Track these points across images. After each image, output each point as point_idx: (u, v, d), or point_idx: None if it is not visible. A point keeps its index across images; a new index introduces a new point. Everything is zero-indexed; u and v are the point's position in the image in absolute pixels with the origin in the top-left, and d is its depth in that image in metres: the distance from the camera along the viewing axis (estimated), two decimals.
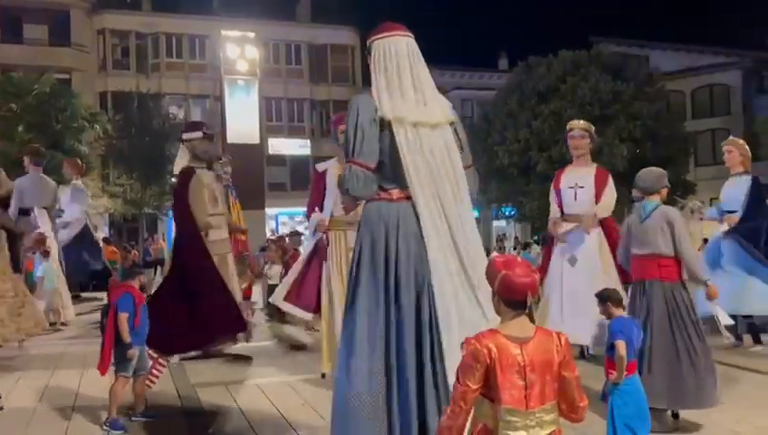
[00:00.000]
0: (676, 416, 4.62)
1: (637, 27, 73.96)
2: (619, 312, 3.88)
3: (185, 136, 7.06)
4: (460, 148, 3.41)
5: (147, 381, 4.82)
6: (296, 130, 33.98)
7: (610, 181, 6.73)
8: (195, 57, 32.74)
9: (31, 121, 22.45)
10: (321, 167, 6.19)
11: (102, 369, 4.66)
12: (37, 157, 9.46)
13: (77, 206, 10.40)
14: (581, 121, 7.18)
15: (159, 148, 26.85)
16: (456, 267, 3.16)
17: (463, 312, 3.09)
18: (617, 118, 23.97)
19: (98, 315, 10.33)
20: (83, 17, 31.26)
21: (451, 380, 2.74)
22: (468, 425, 2.38)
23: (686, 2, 65.80)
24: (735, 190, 7.08)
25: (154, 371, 4.83)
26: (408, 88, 3.31)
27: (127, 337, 4.57)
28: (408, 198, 3.21)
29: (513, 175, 25.94)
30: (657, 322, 4.49)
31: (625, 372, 3.67)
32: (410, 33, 3.48)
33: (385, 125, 3.20)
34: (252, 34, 32.29)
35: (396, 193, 3.25)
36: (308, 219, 6.11)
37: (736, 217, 6.93)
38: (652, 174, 4.82)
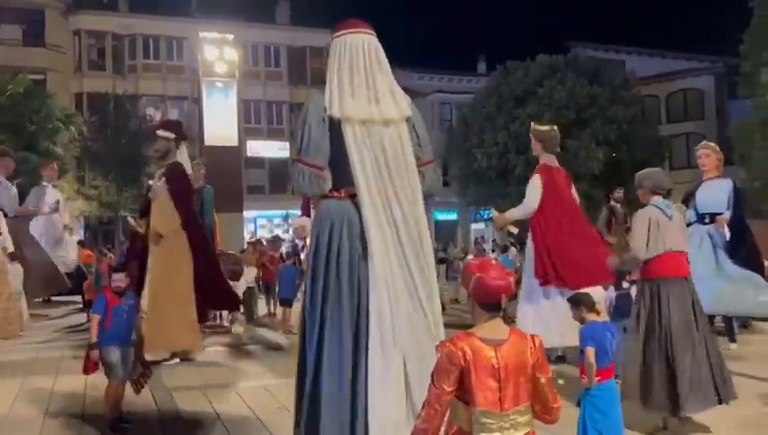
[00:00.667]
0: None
1: (613, 33, 74.81)
2: (591, 316, 3.86)
3: (159, 133, 7.08)
4: (417, 144, 3.42)
5: (133, 387, 4.81)
6: (275, 133, 33.84)
7: (530, 181, 7.05)
8: (172, 59, 32.48)
9: (4, 122, 22.09)
10: None
11: (88, 370, 4.67)
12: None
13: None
14: (532, 125, 7.41)
15: (136, 150, 26.58)
16: (398, 263, 3.19)
17: (399, 308, 3.14)
18: (593, 122, 24.23)
19: (71, 319, 10.23)
20: (59, 18, 30.86)
21: (374, 374, 3.02)
22: (443, 428, 2.39)
23: (661, 8, 66.77)
24: (713, 193, 7.17)
25: (141, 378, 4.83)
26: (359, 85, 3.31)
27: (94, 338, 4.59)
28: (355, 195, 3.23)
29: (491, 178, 26.08)
30: (700, 315, 4.61)
31: (597, 378, 3.66)
32: (371, 31, 3.51)
33: (335, 124, 3.23)
34: (230, 36, 32.09)
35: (344, 191, 3.28)
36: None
37: (726, 218, 7.03)
38: (662, 174, 4.95)
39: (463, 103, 31.44)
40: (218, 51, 31.96)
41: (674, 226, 4.70)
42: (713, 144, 7.42)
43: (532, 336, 2.41)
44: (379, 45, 3.49)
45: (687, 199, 7.32)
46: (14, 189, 9.63)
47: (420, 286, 3.20)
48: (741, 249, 6.97)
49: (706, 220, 7.24)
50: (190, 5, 34.15)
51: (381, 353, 3.07)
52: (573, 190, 7.32)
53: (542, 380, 2.37)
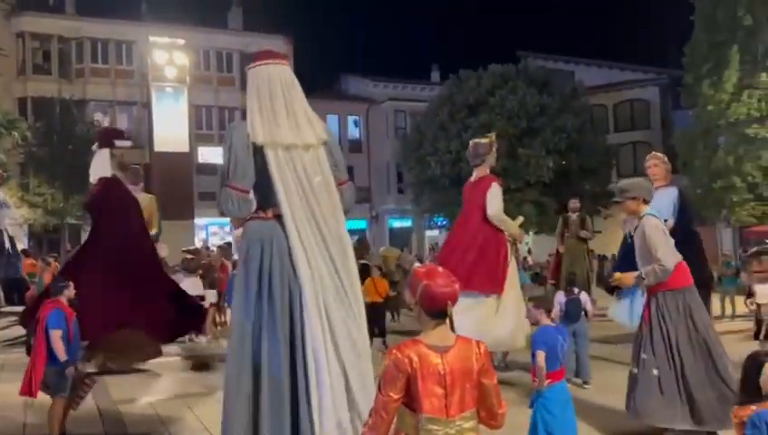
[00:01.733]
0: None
1: (562, 43, 76.56)
2: (546, 321, 3.94)
3: (118, 143, 6.85)
4: (334, 165, 3.68)
5: (72, 404, 4.63)
6: None
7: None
8: (121, 63, 31.77)
9: None
10: None
11: (32, 391, 4.45)
12: None
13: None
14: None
15: (83, 156, 25.85)
16: (329, 275, 3.45)
17: (333, 315, 3.38)
18: (543, 130, 24.67)
19: (9, 332, 9.85)
20: (1, 20, 29.88)
21: (315, 382, 3.23)
22: None
23: (610, 21, 68.62)
24: (661, 201, 7.30)
25: (81, 393, 4.65)
26: (279, 112, 3.56)
27: (63, 355, 4.39)
28: (280, 216, 3.47)
29: (444, 185, 26.28)
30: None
31: (548, 380, 3.74)
32: (285, 62, 3.82)
33: (258, 149, 3.47)
34: (181, 41, 31.63)
35: (270, 212, 3.52)
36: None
37: (671, 224, 7.15)
38: (649, 182, 4.99)
39: (417, 111, 31.64)
40: (168, 55, 31.47)
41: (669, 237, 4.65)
42: (661, 155, 7.61)
43: (478, 342, 2.44)
44: (293, 75, 3.76)
45: None
46: None
47: (350, 293, 3.50)
48: (687, 254, 7.19)
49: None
50: (140, 9, 33.49)
51: (320, 360, 3.28)
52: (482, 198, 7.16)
53: (488, 385, 2.40)
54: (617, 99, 34.08)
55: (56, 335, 4.41)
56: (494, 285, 6.74)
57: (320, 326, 3.32)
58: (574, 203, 11.42)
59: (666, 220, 7.29)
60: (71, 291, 4.69)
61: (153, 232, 8.07)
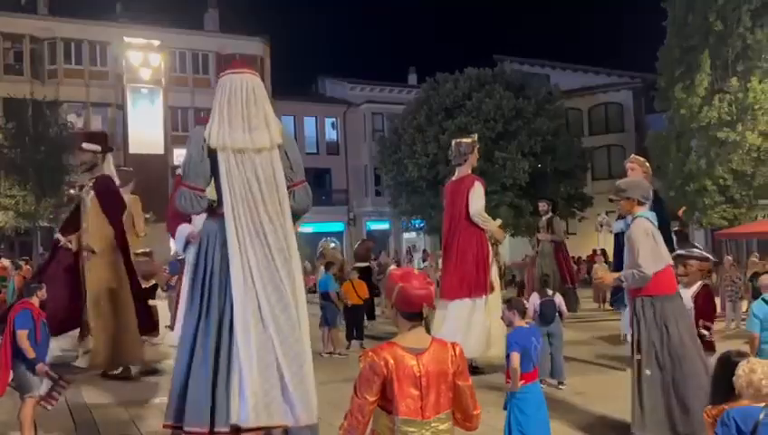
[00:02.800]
0: None
1: (538, 47, 77.29)
2: (519, 322, 3.98)
3: (113, 147, 6.98)
4: (289, 167, 3.94)
5: (43, 403, 4.56)
6: None
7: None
8: (95, 64, 31.36)
9: None
10: None
11: None
12: None
13: None
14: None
15: (56, 157, 25.50)
16: (267, 266, 3.78)
17: (263, 304, 3.74)
18: (519, 133, 24.86)
19: None
20: None
21: (238, 367, 3.61)
22: None
23: (585, 25, 69.42)
24: None
25: (54, 393, 4.58)
26: (235, 117, 3.84)
27: (31, 353, 4.38)
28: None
29: (422, 188, 26.36)
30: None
31: (522, 381, 3.78)
32: (252, 72, 4.09)
33: (212, 152, 3.80)
34: (156, 42, 31.32)
35: (220, 209, 3.84)
36: (171, 232, 5.23)
37: None
38: (646, 183, 4.90)
39: (394, 114, 31.68)
40: (143, 56, 31.15)
41: (660, 237, 4.57)
42: (641, 158, 7.68)
43: (453, 344, 2.45)
44: (259, 83, 4.04)
45: None
46: None
47: (287, 285, 3.80)
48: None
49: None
50: (115, 10, 33.12)
51: (245, 338, 3.71)
52: (465, 197, 7.20)
53: (463, 387, 2.42)
54: (591, 102, 34.45)
55: (22, 335, 4.42)
56: (478, 289, 6.78)
57: (244, 308, 3.69)
58: (542, 205, 11.52)
59: None
60: (43, 292, 4.67)
61: (141, 234, 8.13)
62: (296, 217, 4.01)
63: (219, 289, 3.78)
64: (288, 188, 3.90)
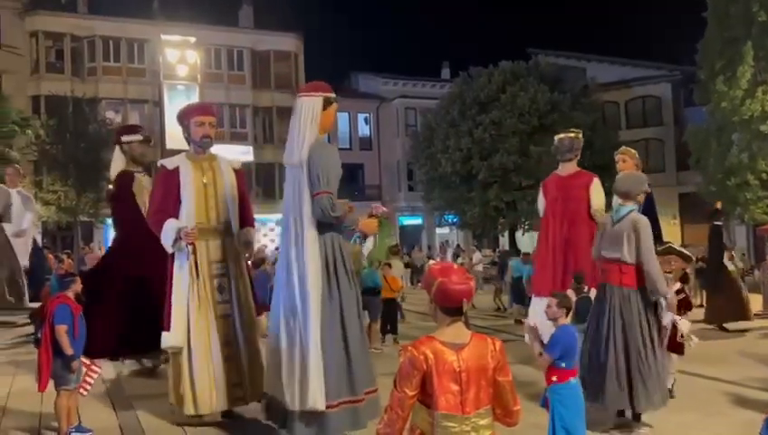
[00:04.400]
0: (636, 417, 4.74)
1: (574, 40, 76.21)
2: (564, 320, 3.93)
3: (124, 138, 6.97)
4: (309, 181, 4.37)
5: (80, 390, 4.66)
6: (238, 137, 33.50)
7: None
8: (133, 61, 31.93)
9: None
10: (169, 163, 5.32)
11: (42, 385, 4.50)
12: None
13: (30, 214, 9.99)
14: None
15: (95, 154, 26.03)
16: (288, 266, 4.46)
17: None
18: (554, 127, 24.52)
19: (29, 327, 9.92)
20: (14, 18, 30.07)
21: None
22: (406, 432, 2.40)
23: (621, 17, 68.28)
24: None
25: (87, 378, 4.67)
26: (288, 138, 4.57)
27: (69, 349, 4.44)
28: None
29: (455, 183, 26.26)
30: (612, 326, 4.66)
31: (565, 378, 3.75)
32: (306, 93, 4.67)
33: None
34: (192, 39, 31.73)
35: None
36: (155, 227, 5.07)
37: None
38: (630, 179, 4.93)
39: (427, 109, 31.59)
40: (180, 53, 31.60)
41: (615, 232, 4.80)
42: (631, 150, 7.50)
43: (493, 340, 2.44)
44: (306, 102, 4.57)
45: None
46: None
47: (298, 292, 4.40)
48: None
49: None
50: (152, 8, 33.63)
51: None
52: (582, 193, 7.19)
53: (503, 383, 2.40)
54: (629, 95, 33.88)
55: (61, 330, 4.47)
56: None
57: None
58: None
59: None
60: (77, 286, 4.74)
61: None
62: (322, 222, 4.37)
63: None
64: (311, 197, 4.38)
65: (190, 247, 4.96)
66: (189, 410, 4.83)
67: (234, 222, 5.25)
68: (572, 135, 7.29)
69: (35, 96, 29.78)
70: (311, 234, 4.31)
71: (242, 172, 5.59)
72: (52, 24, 30.74)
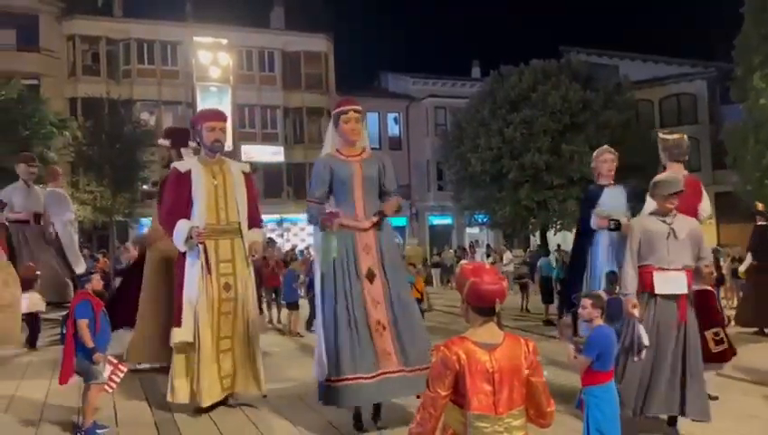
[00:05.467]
0: (672, 423, 4.64)
1: (606, 38, 75.16)
2: (599, 320, 3.90)
3: (191, 145, 6.99)
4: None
5: (106, 387, 4.75)
6: (269, 137, 33.79)
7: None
8: (167, 63, 32.42)
9: None
10: (182, 166, 5.54)
11: (63, 378, 4.63)
12: (33, 163, 9.41)
13: (68, 212, 10.21)
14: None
15: (130, 155, 26.53)
16: None
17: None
18: (587, 126, 24.27)
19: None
20: (52, 22, 30.77)
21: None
22: (438, 432, 2.41)
23: (654, 13, 67.15)
24: (618, 200, 6.96)
25: (113, 376, 4.76)
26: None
27: (90, 342, 4.56)
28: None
29: (485, 182, 26.10)
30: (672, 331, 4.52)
31: (600, 380, 3.71)
32: (344, 106, 5.12)
33: None
34: (224, 41, 32.11)
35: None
36: (168, 227, 5.33)
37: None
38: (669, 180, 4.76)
39: (457, 108, 31.46)
40: (212, 55, 32.01)
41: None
42: (612, 150, 7.16)
43: (526, 340, 2.43)
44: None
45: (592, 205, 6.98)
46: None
47: None
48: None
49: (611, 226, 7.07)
50: (185, 10, 34.09)
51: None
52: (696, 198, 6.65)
53: (537, 383, 2.39)
54: (663, 93, 33.32)
55: (82, 324, 4.59)
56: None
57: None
58: None
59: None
60: (95, 283, 4.84)
61: None
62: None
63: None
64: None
65: (201, 246, 5.20)
66: (195, 401, 5.15)
67: (243, 223, 5.47)
68: (677, 136, 6.94)
69: (72, 98, 30.43)
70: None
71: (251, 176, 5.78)
72: (88, 28, 31.37)
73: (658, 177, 4.92)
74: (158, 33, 31.86)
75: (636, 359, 4.41)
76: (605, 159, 6.96)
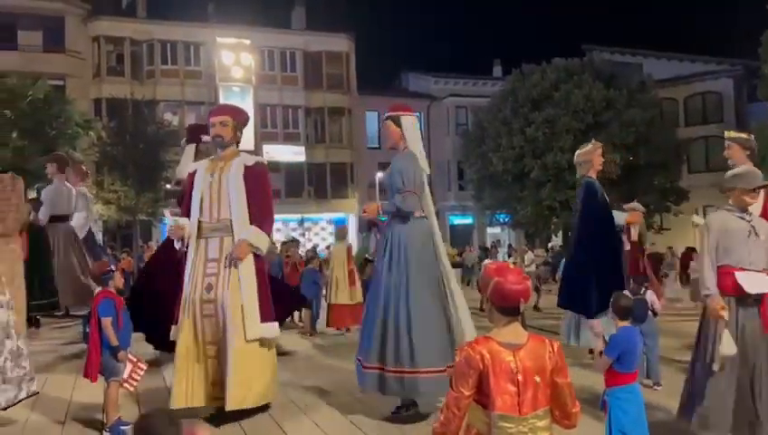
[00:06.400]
0: None
1: (629, 36, 74.40)
2: (621, 322, 3.84)
3: (204, 138, 6.95)
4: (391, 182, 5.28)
5: (126, 385, 4.79)
6: (291, 137, 33.96)
7: None
8: (190, 64, 32.72)
9: (25, 128, 22.35)
10: (193, 166, 5.67)
11: (92, 376, 4.67)
12: (64, 164, 9.51)
13: (83, 213, 10.31)
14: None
15: (154, 154, 26.81)
16: None
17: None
18: (610, 125, 24.08)
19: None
20: (78, 24, 31.21)
21: None
22: (462, 431, 2.40)
23: (679, 11, 66.29)
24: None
25: (133, 374, 4.80)
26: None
27: (115, 341, 4.61)
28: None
29: (507, 182, 25.99)
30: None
31: (624, 381, 3.67)
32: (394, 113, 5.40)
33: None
34: (247, 41, 32.33)
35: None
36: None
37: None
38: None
39: (478, 107, 31.36)
40: (235, 56, 32.26)
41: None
42: (598, 143, 6.90)
43: (551, 341, 2.41)
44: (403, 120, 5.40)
45: None
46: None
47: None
48: (577, 263, 6.35)
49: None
50: (207, 11, 34.38)
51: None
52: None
53: (561, 384, 2.37)
54: (688, 92, 32.91)
55: (107, 323, 4.63)
56: None
57: None
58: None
59: None
60: (116, 281, 4.89)
61: None
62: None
63: None
64: None
65: (191, 245, 5.14)
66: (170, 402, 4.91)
67: (236, 221, 5.14)
68: (744, 135, 6.68)
69: (97, 99, 30.83)
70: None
71: (255, 168, 5.33)
72: (112, 29, 31.76)
73: (739, 169, 4.47)
74: (180, 34, 32.17)
75: (715, 368, 3.96)
76: (600, 154, 6.69)
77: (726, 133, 5.99)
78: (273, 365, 5.28)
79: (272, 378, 5.21)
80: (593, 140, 6.98)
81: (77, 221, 9.94)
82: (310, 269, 10.71)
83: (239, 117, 5.56)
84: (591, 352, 6.20)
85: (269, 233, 5.38)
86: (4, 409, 4.66)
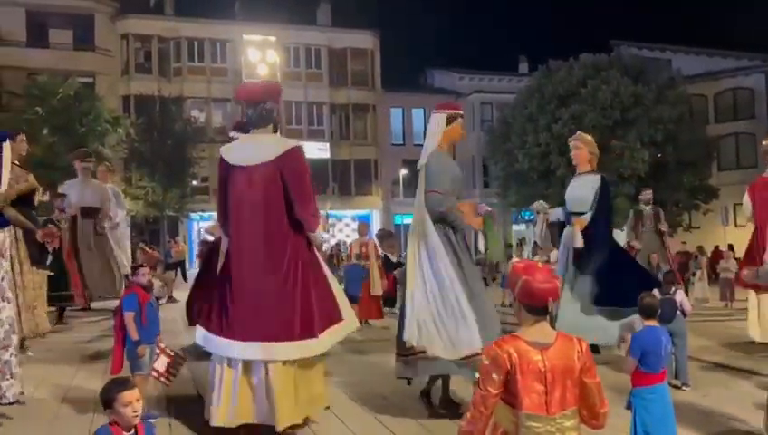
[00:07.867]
0: None
1: (658, 31, 73.28)
2: (650, 320, 3.80)
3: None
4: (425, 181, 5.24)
5: (162, 379, 4.80)
6: (315, 134, 34.09)
7: None
8: (216, 61, 33.00)
9: (55, 124, 22.78)
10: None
11: (114, 369, 4.75)
12: (87, 159, 9.71)
13: (121, 210, 10.54)
14: None
15: (181, 151, 27.12)
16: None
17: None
18: (638, 122, 23.74)
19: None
20: (107, 22, 31.66)
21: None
22: (489, 430, 2.39)
23: (708, 6, 65.11)
24: (583, 191, 6.76)
25: (171, 369, 4.82)
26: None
27: (135, 335, 4.67)
28: None
29: (533, 179, 25.77)
30: None
31: (650, 382, 3.63)
32: (437, 110, 5.44)
33: None
34: (272, 38, 32.51)
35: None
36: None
37: (585, 219, 6.67)
38: None
39: (504, 103, 31.15)
40: (260, 53, 32.47)
41: None
42: (588, 137, 6.94)
43: (579, 340, 2.39)
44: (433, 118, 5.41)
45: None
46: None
47: None
48: (590, 263, 6.42)
49: (572, 221, 6.68)
50: (233, 9, 34.63)
51: None
52: None
53: (590, 384, 2.35)
54: (718, 88, 32.33)
55: (129, 317, 4.69)
56: None
57: None
58: (646, 194, 10.70)
59: (581, 214, 6.67)
60: (141, 277, 4.95)
61: None
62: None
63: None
64: None
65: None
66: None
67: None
68: None
69: (125, 96, 31.25)
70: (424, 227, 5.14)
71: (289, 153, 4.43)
72: (141, 27, 32.15)
73: None
74: (207, 32, 32.45)
75: None
76: (571, 147, 6.92)
77: None
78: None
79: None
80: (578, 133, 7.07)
81: (119, 217, 10.12)
82: (353, 265, 10.19)
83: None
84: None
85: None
86: (11, 403, 4.75)
